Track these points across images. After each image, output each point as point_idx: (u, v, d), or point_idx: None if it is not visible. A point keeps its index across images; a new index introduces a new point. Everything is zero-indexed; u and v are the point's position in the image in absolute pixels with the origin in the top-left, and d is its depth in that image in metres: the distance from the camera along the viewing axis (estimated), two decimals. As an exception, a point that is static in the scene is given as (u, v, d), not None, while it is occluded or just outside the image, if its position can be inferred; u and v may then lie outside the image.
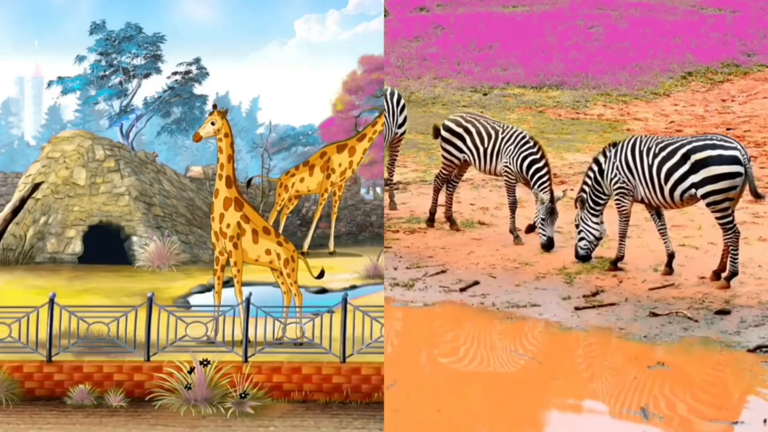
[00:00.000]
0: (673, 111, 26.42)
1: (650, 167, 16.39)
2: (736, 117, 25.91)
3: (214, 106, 15.63)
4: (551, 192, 17.76)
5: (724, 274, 16.17)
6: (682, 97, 27.63)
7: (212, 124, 15.43)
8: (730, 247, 16.02)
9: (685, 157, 16.06)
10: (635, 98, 27.36)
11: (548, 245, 17.73)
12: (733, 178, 15.82)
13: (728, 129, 24.65)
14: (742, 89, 28.45)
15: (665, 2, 36.35)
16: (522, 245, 18.11)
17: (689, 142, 16.17)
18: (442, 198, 19.21)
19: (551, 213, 17.69)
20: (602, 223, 17.11)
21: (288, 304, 15.94)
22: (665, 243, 16.73)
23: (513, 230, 18.32)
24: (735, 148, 15.86)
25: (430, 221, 19.18)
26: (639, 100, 27.24)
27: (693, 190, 16.04)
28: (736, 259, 16.04)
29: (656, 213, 16.76)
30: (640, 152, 16.51)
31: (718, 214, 16.00)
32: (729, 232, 16.01)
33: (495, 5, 36.52)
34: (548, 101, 27.11)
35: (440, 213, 19.46)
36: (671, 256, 16.67)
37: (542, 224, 17.76)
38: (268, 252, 15.88)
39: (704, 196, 15.97)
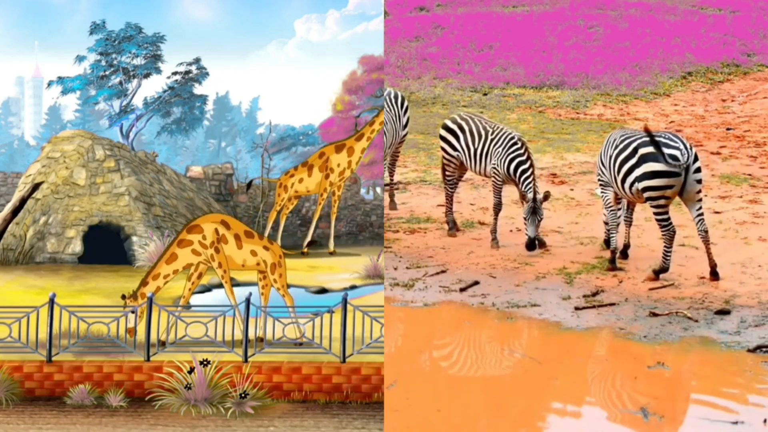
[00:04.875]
0: (673, 111, 26.41)
1: (611, 158, 16.62)
2: (736, 117, 25.90)
3: None
4: (534, 191, 17.64)
5: (654, 268, 16.34)
6: (682, 97, 27.62)
7: None
8: (665, 245, 16.18)
9: (635, 151, 16.18)
10: (635, 98, 27.36)
11: (530, 245, 17.62)
12: (669, 177, 15.86)
13: (728, 129, 24.65)
14: (742, 89, 28.44)
15: (665, 2, 36.35)
16: (497, 249, 17.95)
17: (642, 137, 16.23)
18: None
19: (533, 212, 17.61)
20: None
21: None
22: (624, 234, 17.21)
23: (494, 231, 18.16)
24: (677, 148, 15.87)
25: (452, 229, 18.68)
26: (639, 100, 27.24)
27: (637, 184, 16.13)
28: (669, 256, 16.22)
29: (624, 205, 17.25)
30: (608, 144, 16.75)
31: (654, 210, 16.16)
32: (664, 229, 16.17)
33: (495, 5, 36.51)
34: (548, 101, 27.10)
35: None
36: (626, 246, 17.25)
37: (524, 223, 17.68)
38: (253, 254, 15.91)
39: (643, 190, 16.06)
